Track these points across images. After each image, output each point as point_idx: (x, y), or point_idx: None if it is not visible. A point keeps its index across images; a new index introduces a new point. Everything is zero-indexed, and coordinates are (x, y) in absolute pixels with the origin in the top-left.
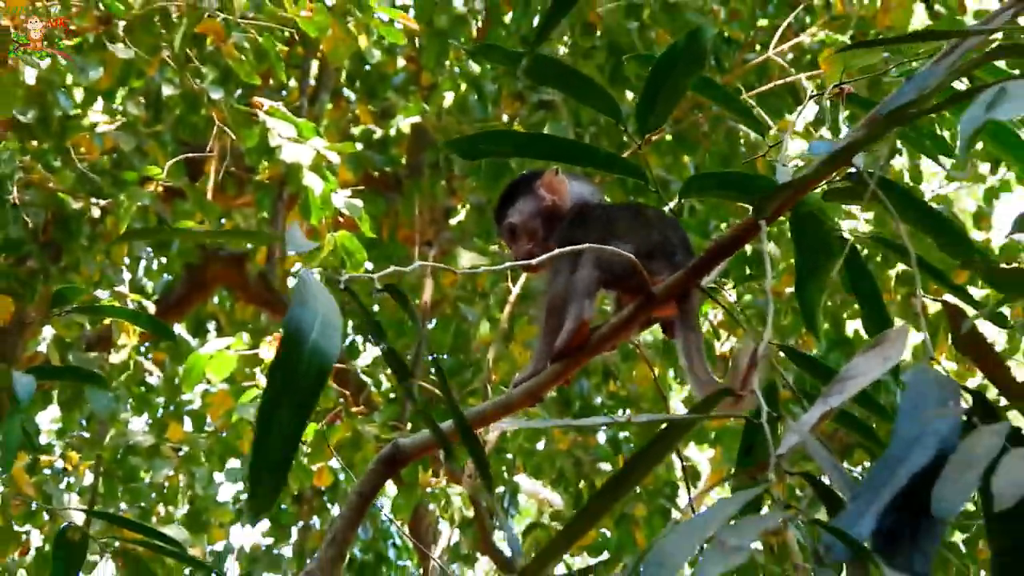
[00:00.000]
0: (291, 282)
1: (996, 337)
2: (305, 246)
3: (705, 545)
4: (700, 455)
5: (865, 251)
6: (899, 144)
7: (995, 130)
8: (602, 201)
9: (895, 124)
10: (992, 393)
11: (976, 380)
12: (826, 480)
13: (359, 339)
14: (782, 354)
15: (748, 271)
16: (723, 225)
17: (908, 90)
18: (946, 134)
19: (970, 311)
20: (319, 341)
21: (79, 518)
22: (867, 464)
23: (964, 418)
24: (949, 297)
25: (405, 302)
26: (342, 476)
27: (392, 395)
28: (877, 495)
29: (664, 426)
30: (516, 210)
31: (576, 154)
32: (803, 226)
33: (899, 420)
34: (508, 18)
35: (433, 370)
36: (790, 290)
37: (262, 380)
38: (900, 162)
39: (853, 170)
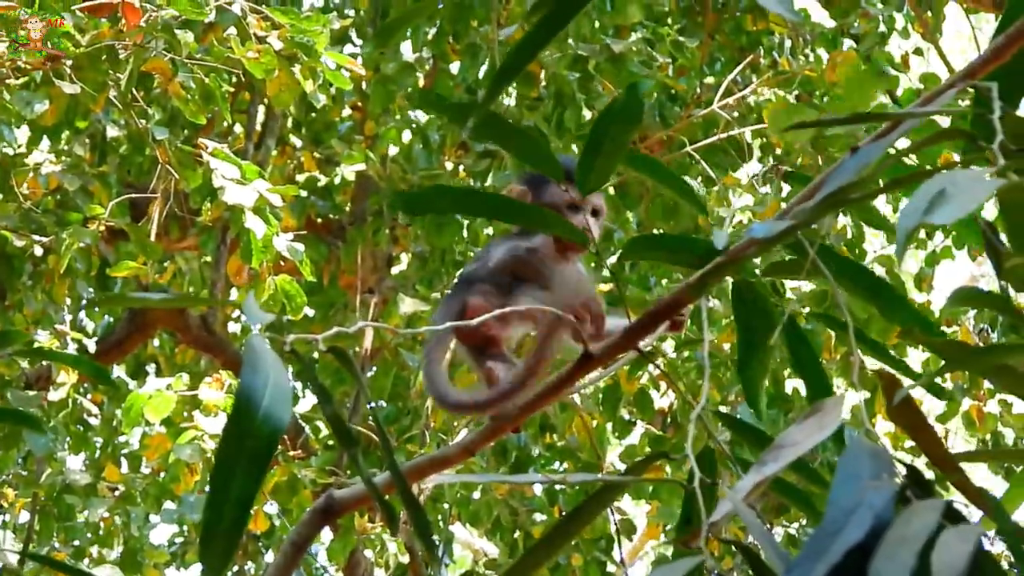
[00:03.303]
0: (232, 326)
1: (934, 403)
2: (262, 318)
3: None
4: (636, 509)
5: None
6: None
7: None
8: None
9: (835, 207)
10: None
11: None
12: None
13: (298, 385)
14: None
15: (688, 335)
16: (664, 281)
17: (848, 168)
18: (887, 209)
19: (907, 381)
20: (271, 407)
21: (13, 559)
22: (803, 522)
23: (898, 490)
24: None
25: (349, 364)
26: (278, 522)
27: (330, 441)
28: (811, 569)
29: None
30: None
31: (516, 212)
32: (743, 298)
33: (834, 491)
34: (455, 67)
35: (371, 419)
36: (728, 346)
37: (201, 421)
38: (843, 220)
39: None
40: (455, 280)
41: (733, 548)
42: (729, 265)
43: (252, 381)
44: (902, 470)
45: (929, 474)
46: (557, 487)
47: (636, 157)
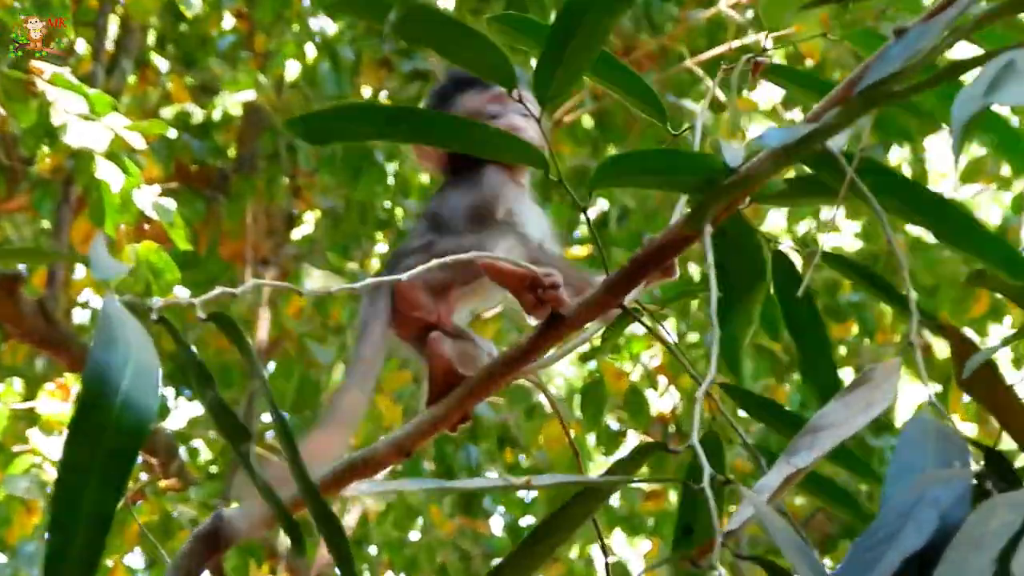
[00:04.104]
0: (78, 315)
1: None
2: (115, 269)
3: None
4: (631, 551)
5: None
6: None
7: (988, 123)
8: None
9: (871, 106)
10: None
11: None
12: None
13: (169, 391)
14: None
15: (682, 288)
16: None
17: (892, 56)
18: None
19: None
20: (132, 392)
21: None
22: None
23: (974, 482)
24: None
25: (238, 335)
26: None
27: (212, 468)
28: None
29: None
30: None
31: (465, 135)
32: (725, 236)
33: (889, 485)
34: None
35: (271, 430)
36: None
37: (39, 443)
38: (899, 154)
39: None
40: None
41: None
42: (740, 184)
43: (107, 357)
44: (979, 457)
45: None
46: (523, 522)
47: (603, 61)
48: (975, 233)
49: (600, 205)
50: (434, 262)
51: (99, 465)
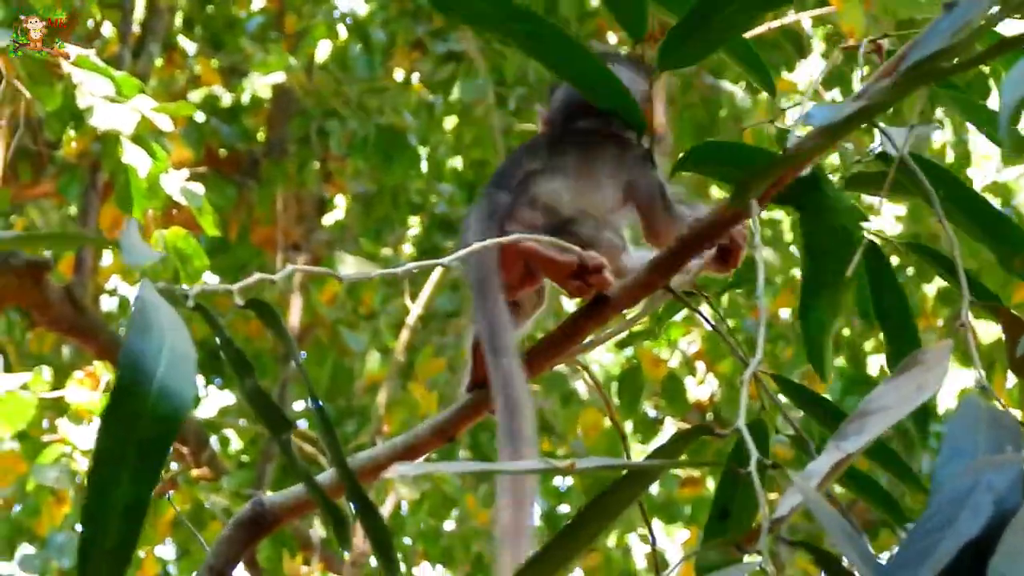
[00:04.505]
0: (106, 302)
1: None
2: (147, 255)
3: None
4: (669, 541)
5: (894, 260)
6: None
7: None
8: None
9: (919, 83)
10: None
11: None
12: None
13: (200, 380)
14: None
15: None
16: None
17: (942, 30)
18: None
19: None
20: (168, 379)
21: None
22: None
23: None
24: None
25: (276, 322)
26: (173, 569)
27: (244, 457)
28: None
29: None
30: None
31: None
32: (814, 221)
33: (940, 469)
34: None
35: (303, 417)
36: (789, 313)
37: (69, 432)
38: (942, 136)
39: (878, 149)
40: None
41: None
42: (784, 163)
43: (142, 344)
44: None
45: None
46: (560, 509)
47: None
48: (1016, 238)
49: None
50: (486, 242)
51: (133, 454)
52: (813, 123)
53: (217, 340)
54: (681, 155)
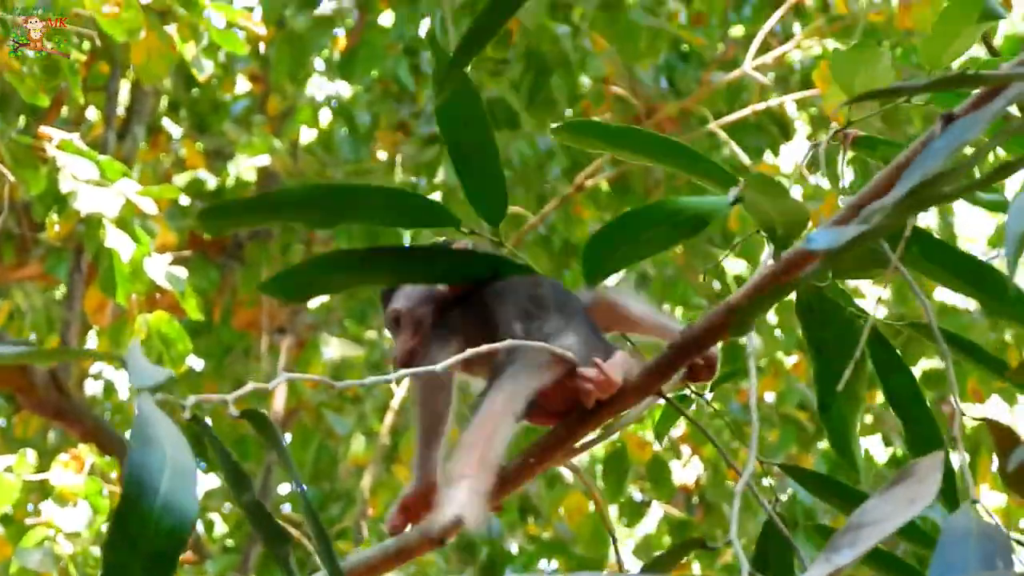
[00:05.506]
0: (91, 386)
1: None
2: (154, 375)
3: None
4: None
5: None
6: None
7: None
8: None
9: (920, 207)
10: None
11: None
12: None
13: None
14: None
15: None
16: (678, 310)
17: (940, 148)
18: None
19: None
20: (172, 494)
21: None
22: None
23: None
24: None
25: (272, 434)
26: None
27: (228, 541)
28: None
29: None
30: (403, 294)
31: (451, 266)
32: (812, 312)
33: None
34: (387, 19)
35: (288, 502)
36: (772, 396)
37: (54, 515)
38: (926, 218)
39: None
40: None
41: None
42: (785, 290)
43: (145, 459)
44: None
45: None
46: None
47: (629, 133)
48: (1013, 297)
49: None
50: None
51: (140, 568)
52: (814, 247)
53: (212, 451)
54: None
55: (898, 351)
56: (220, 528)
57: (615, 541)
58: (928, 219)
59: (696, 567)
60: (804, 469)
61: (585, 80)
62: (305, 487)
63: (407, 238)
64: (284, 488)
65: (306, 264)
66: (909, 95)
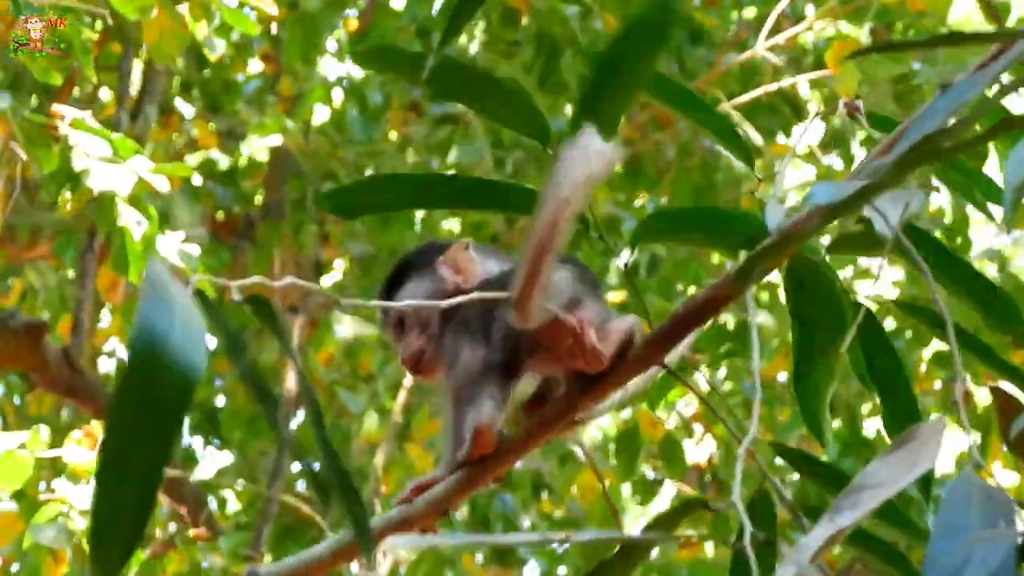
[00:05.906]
0: (104, 363)
1: None
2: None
3: None
4: None
5: (892, 324)
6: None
7: None
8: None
9: (922, 162)
10: None
11: None
12: None
13: (198, 441)
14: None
15: (728, 346)
16: (691, 289)
17: (939, 109)
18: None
19: None
20: (182, 345)
21: None
22: None
23: (1020, 542)
24: (1005, 384)
25: (274, 319)
26: None
27: (242, 518)
28: None
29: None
30: (405, 295)
31: (494, 197)
32: (803, 287)
33: (933, 545)
34: (399, 2)
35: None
36: (785, 376)
37: (67, 492)
38: (940, 199)
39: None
40: None
41: None
42: (784, 244)
43: (155, 312)
44: None
45: None
46: (560, 572)
47: (659, 78)
48: (1005, 306)
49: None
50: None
51: (149, 420)
52: (815, 202)
53: (211, 323)
54: (640, 223)
55: (889, 332)
56: (233, 505)
57: (617, 515)
58: (941, 200)
59: (709, 547)
60: (788, 447)
61: None
62: (307, 464)
63: (418, 214)
64: (298, 466)
65: (361, 183)
66: (917, 49)
